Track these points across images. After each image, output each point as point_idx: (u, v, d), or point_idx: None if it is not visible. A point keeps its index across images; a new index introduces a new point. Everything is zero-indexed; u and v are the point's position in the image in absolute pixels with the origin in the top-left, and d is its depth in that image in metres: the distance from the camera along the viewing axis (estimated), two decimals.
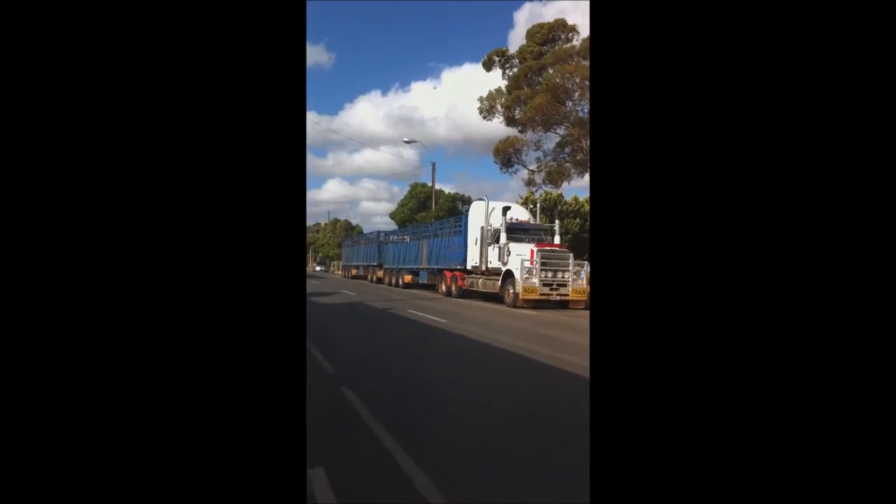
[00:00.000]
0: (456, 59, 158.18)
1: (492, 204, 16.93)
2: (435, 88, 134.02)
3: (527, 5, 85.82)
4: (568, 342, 8.20)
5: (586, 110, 20.20)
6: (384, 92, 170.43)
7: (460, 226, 18.55)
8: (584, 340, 8.32)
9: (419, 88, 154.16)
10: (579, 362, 6.25)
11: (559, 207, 27.77)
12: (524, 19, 75.79)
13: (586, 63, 18.57)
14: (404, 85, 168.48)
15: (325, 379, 5.10)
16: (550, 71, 19.28)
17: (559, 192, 26.66)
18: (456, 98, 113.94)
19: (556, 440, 3.59)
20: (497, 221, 16.17)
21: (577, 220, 28.16)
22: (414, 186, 42.68)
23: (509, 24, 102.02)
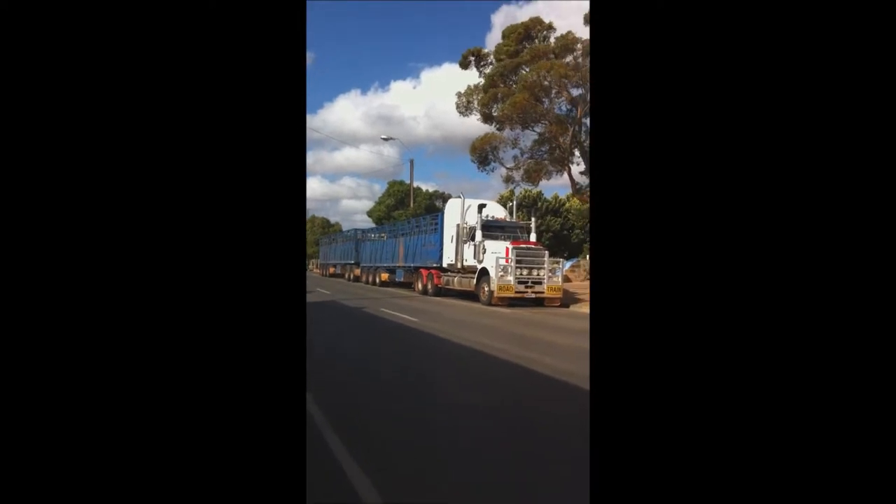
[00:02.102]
0: (436, 59, 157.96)
1: (467, 201, 16.85)
2: (415, 88, 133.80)
3: (503, 8, 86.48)
4: (538, 340, 8.14)
5: (564, 108, 20.21)
6: (364, 91, 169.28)
7: (436, 223, 18.44)
8: (554, 338, 8.30)
9: (399, 87, 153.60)
10: (547, 361, 6.18)
11: (539, 205, 27.84)
12: (500, 22, 76.77)
13: (561, 61, 18.55)
14: (384, 84, 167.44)
15: None
16: (526, 70, 19.24)
17: (538, 189, 26.71)
18: (435, 97, 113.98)
19: (516, 442, 3.49)
20: (473, 219, 16.10)
21: (558, 217, 28.23)
22: (392, 184, 42.57)
23: (487, 26, 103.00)
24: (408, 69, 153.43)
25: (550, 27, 20.05)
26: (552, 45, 19.19)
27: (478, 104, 20.82)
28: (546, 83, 19.01)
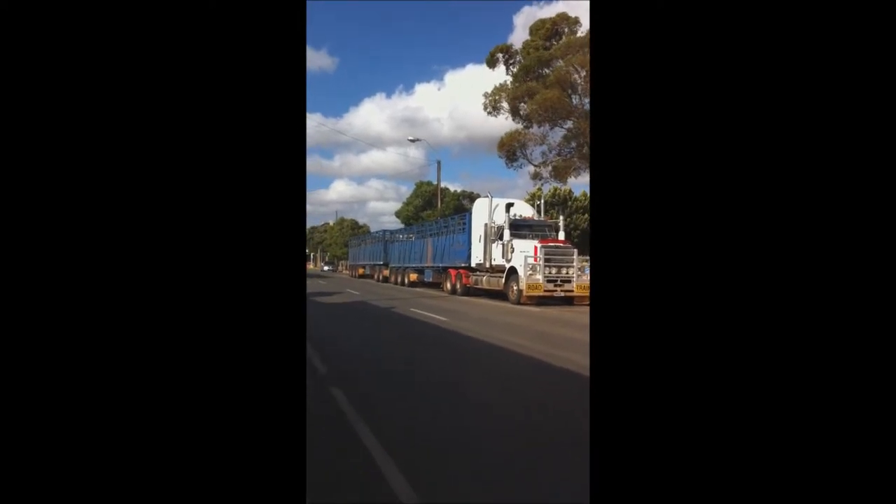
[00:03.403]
0: (459, 61, 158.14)
1: (495, 201, 16.82)
2: (439, 90, 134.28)
3: (525, 9, 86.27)
4: (568, 339, 8.08)
5: None
6: (388, 94, 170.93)
7: (464, 223, 18.47)
8: (584, 336, 8.21)
9: (423, 90, 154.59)
10: (576, 359, 6.14)
11: (569, 203, 27.65)
12: (522, 23, 76.88)
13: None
14: (408, 87, 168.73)
15: (314, 377, 5.02)
16: (561, 62, 19.09)
17: (568, 188, 26.49)
18: (459, 99, 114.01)
19: (545, 441, 3.49)
20: (500, 218, 16.06)
21: (586, 215, 28.04)
22: (419, 185, 42.69)
23: (509, 27, 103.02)
24: (431, 71, 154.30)
25: (577, 22, 19.92)
26: (585, 38, 19.04)
27: (507, 99, 20.77)
28: (576, 78, 18.87)
